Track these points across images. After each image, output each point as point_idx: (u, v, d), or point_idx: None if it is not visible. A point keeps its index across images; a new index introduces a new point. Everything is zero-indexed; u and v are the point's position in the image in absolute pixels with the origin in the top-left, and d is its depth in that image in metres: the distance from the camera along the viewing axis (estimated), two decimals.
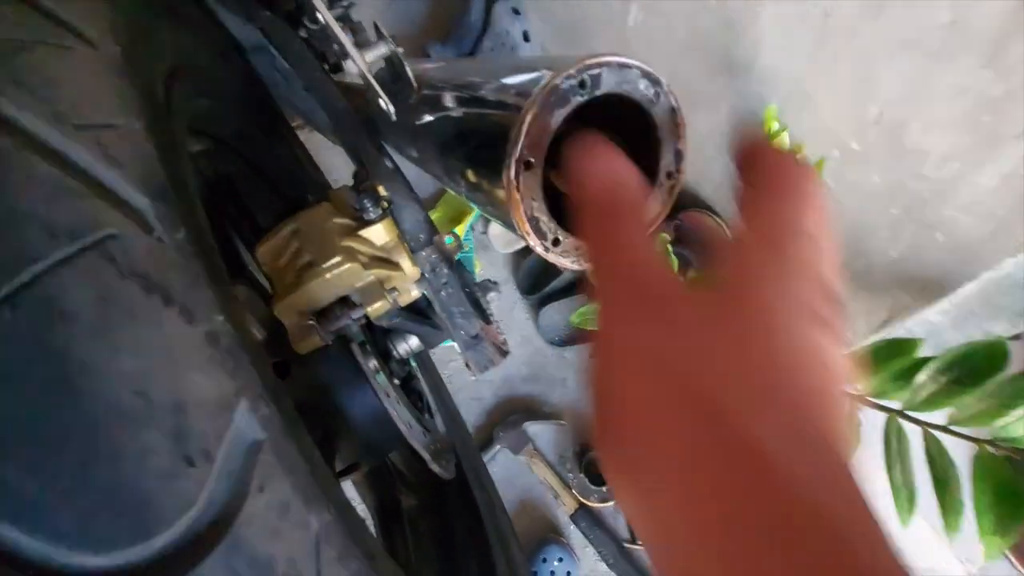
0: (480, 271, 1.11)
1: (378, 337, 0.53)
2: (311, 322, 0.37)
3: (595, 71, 0.27)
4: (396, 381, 0.50)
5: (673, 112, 0.29)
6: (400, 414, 0.44)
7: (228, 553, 0.14)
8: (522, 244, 1.11)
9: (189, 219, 0.19)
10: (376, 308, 0.38)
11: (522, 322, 1.08)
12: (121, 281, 0.15)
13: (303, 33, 0.55)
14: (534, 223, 0.29)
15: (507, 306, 1.09)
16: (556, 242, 0.30)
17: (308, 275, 0.36)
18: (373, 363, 0.43)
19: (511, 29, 1.03)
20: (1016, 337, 0.83)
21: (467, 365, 0.50)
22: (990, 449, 0.45)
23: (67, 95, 0.17)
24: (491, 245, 1.12)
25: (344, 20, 0.57)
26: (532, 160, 0.27)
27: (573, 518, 0.89)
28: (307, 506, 0.16)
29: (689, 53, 0.66)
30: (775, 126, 0.51)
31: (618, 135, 0.31)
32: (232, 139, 0.51)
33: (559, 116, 0.27)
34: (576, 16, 0.87)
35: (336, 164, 0.85)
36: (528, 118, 0.26)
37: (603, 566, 0.87)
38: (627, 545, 0.88)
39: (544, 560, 0.84)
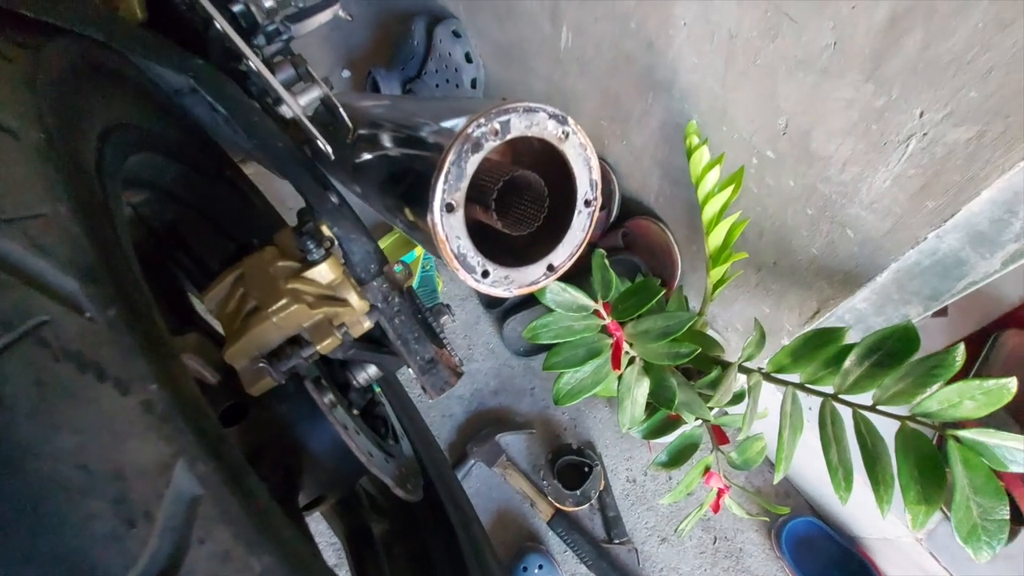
0: (443, 288, 1.13)
1: (336, 369, 0.54)
2: (262, 364, 0.38)
3: (504, 117, 0.29)
4: (356, 411, 0.51)
5: (583, 147, 0.32)
6: (360, 445, 0.45)
7: None
8: None
9: (121, 293, 0.20)
10: (326, 345, 0.39)
11: (487, 335, 1.10)
12: (56, 364, 0.16)
13: (243, 67, 0.56)
14: (462, 259, 0.31)
15: (472, 320, 1.11)
16: (485, 274, 0.32)
17: (254, 320, 0.37)
18: (329, 397, 0.44)
19: (453, 51, 1.06)
20: (943, 312, 0.89)
21: (424, 389, 0.52)
22: (911, 425, 0.49)
23: None
24: None
25: (284, 53, 0.58)
26: (453, 203, 0.29)
27: (550, 524, 0.91)
28: (249, 551, 0.17)
29: (618, 72, 0.69)
30: (695, 140, 0.54)
31: (543, 168, 0.34)
32: (173, 186, 0.51)
33: (475, 161, 0.29)
34: (513, 38, 0.90)
35: (289, 191, 0.85)
36: (445, 166, 0.28)
37: (583, 568, 0.89)
38: (604, 545, 0.90)
39: (525, 569, 0.85)
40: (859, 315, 0.62)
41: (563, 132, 0.31)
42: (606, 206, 0.86)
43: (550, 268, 0.34)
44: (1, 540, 0.14)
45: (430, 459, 0.70)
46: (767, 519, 0.90)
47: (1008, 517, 0.45)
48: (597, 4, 0.66)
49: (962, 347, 0.45)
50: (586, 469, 0.94)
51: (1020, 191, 0.40)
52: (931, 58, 0.38)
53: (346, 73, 1.45)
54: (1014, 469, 0.45)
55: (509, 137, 0.29)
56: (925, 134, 0.41)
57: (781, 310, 0.68)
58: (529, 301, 1.06)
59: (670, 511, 0.94)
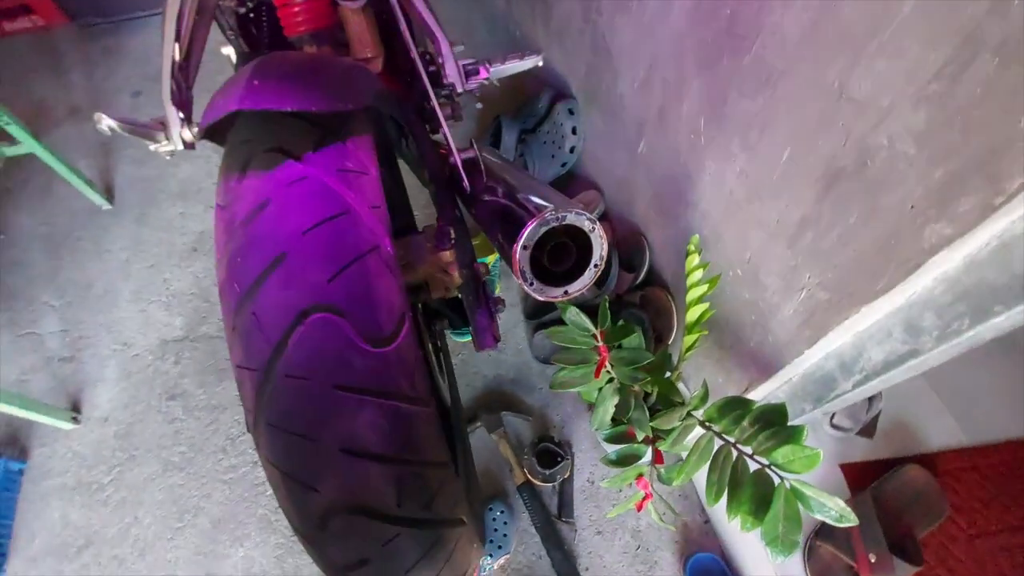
0: (499, 292, 1.44)
1: (428, 316, 0.86)
2: None
3: (563, 213, 0.59)
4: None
5: (600, 237, 0.62)
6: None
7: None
8: None
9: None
10: (437, 292, 0.70)
11: (519, 338, 1.39)
12: (386, 266, 0.48)
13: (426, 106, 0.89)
14: (523, 274, 0.61)
15: (512, 323, 1.41)
16: (531, 283, 0.62)
17: (406, 267, 0.69)
18: (436, 326, 0.76)
19: (565, 123, 1.38)
20: (870, 435, 1.10)
21: (473, 341, 0.82)
22: (767, 471, 0.74)
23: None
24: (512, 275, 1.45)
25: (447, 98, 0.91)
26: (527, 246, 0.59)
27: (519, 488, 1.18)
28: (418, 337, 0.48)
29: (668, 183, 0.99)
30: (692, 248, 0.82)
31: (578, 239, 0.64)
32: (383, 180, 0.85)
33: (543, 229, 0.59)
34: (610, 132, 1.21)
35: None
36: (527, 229, 0.59)
37: (532, 529, 1.15)
38: (553, 518, 1.16)
39: (490, 509, 1.13)
40: (777, 398, 0.87)
41: (591, 227, 0.61)
42: (635, 270, 1.14)
43: (566, 292, 0.64)
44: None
45: (452, 397, 1.00)
46: (673, 528, 1.14)
47: (799, 540, 0.69)
48: (665, 136, 0.95)
49: (807, 428, 0.70)
50: (559, 459, 1.20)
51: (859, 340, 0.66)
52: (816, 248, 0.65)
53: (479, 105, 1.81)
54: (819, 516, 0.69)
55: (564, 223, 0.59)
56: (808, 290, 0.67)
57: (729, 381, 0.94)
58: (559, 321, 1.34)
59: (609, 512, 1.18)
